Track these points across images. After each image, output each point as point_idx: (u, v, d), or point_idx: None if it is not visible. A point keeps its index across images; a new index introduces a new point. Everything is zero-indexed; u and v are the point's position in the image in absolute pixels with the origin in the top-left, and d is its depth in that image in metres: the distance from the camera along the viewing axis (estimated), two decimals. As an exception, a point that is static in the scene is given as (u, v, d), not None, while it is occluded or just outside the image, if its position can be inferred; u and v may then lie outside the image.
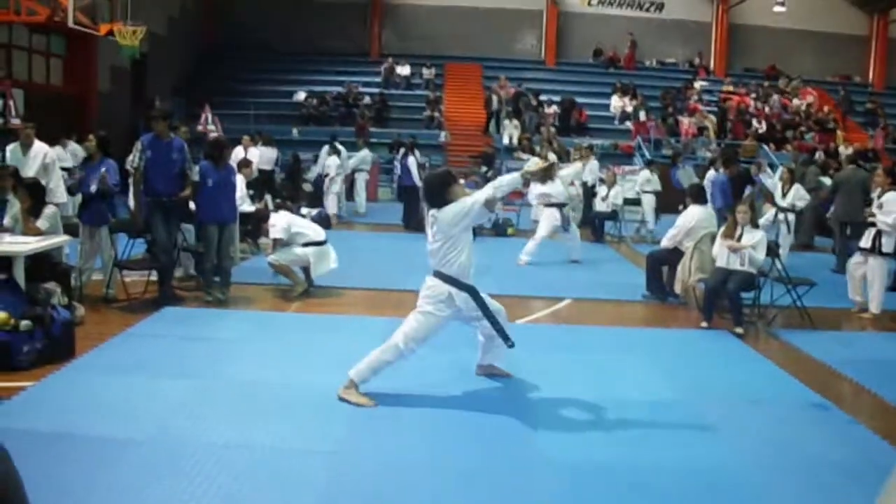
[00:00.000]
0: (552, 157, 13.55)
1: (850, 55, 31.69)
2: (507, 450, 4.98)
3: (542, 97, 27.35)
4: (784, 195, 12.31)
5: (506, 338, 5.89)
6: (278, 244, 9.31)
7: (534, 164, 6.50)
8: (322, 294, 9.41)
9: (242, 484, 4.27)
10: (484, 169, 17.97)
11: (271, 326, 7.91)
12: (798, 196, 12.54)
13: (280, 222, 9.35)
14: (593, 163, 17.62)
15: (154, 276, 8.96)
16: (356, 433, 5.15)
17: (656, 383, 6.48)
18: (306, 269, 9.45)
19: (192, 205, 8.89)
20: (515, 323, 8.20)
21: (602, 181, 16.62)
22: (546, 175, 11.96)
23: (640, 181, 16.84)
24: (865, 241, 9.31)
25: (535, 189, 12.50)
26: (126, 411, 5.28)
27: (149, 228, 8.62)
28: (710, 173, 13.83)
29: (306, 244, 9.33)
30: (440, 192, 5.80)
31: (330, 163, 17.24)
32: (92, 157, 9.03)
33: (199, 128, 19.03)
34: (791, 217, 12.29)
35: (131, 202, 9.09)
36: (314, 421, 5.31)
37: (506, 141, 24.17)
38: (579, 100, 27.32)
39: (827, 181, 15.07)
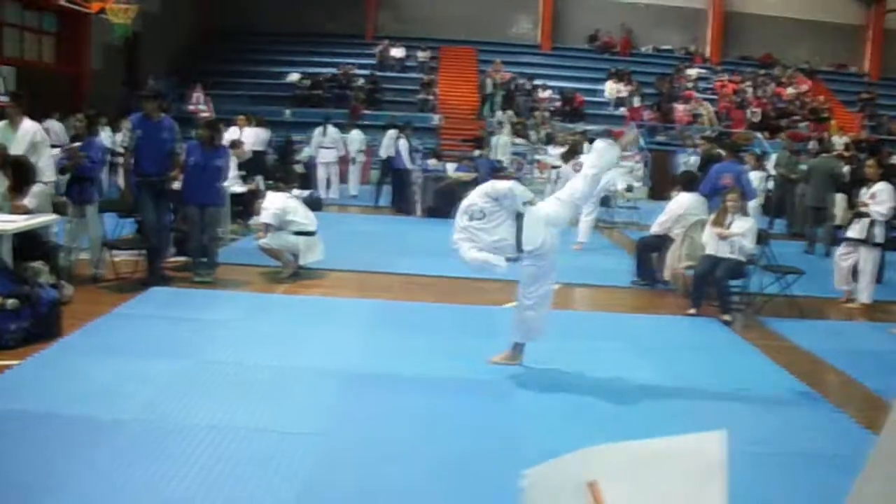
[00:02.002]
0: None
1: (846, 45, 31.63)
2: (492, 437, 4.97)
3: (537, 82, 27.28)
4: None
5: None
6: (270, 229, 9.26)
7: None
8: (311, 276, 9.39)
9: (227, 465, 4.26)
10: (477, 153, 17.94)
11: (260, 308, 7.90)
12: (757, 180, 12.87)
13: (272, 206, 9.28)
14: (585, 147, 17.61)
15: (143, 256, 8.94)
16: (343, 416, 5.15)
17: (643, 370, 6.48)
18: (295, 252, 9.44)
19: (176, 185, 8.85)
20: (503, 307, 8.24)
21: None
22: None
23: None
24: (859, 232, 9.30)
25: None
26: (111, 392, 5.26)
27: (138, 208, 8.59)
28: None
29: (298, 233, 9.31)
30: None
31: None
32: (80, 136, 8.98)
33: (190, 108, 18.94)
34: (753, 203, 12.38)
35: (121, 181, 9.07)
36: (301, 403, 5.31)
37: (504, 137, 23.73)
38: (574, 85, 27.28)
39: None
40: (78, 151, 8.64)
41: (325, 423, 4.99)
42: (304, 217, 9.44)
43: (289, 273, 9.24)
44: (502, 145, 18.57)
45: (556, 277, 6.42)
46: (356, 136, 18.76)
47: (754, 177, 13.04)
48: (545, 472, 1.51)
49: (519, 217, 5.92)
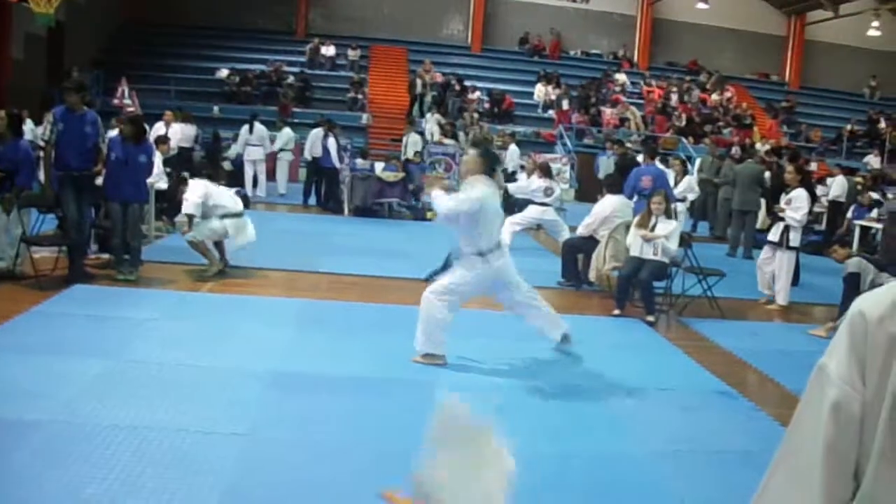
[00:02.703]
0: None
1: (769, 54, 32.48)
2: (417, 436, 4.97)
3: (467, 83, 27.38)
4: (675, 185, 12.66)
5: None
6: (193, 220, 9.09)
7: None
8: (237, 274, 9.29)
9: (149, 466, 4.19)
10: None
11: (184, 306, 7.79)
12: (688, 188, 13.07)
13: (194, 196, 9.08)
14: (513, 149, 17.77)
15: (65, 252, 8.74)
16: (268, 417, 5.11)
17: (567, 370, 6.57)
18: (220, 250, 9.30)
19: (98, 180, 8.67)
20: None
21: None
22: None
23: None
24: (774, 235, 9.57)
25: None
26: (30, 392, 5.13)
27: (59, 203, 8.40)
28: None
29: (224, 216, 9.16)
30: None
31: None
32: (2, 136, 8.65)
33: (115, 102, 18.53)
34: (681, 206, 12.65)
35: (42, 176, 8.84)
36: (225, 403, 5.24)
37: (427, 136, 23.67)
38: (504, 87, 27.46)
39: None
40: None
41: (250, 423, 4.95)
42: (229, 200, 9.30)
43: (214, 271, 9.12)
44: (412, 143, 18.26)
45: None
46: (287, 133, 18.59)
47: (687, 181, 13.34)
48: None
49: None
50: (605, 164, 20.42)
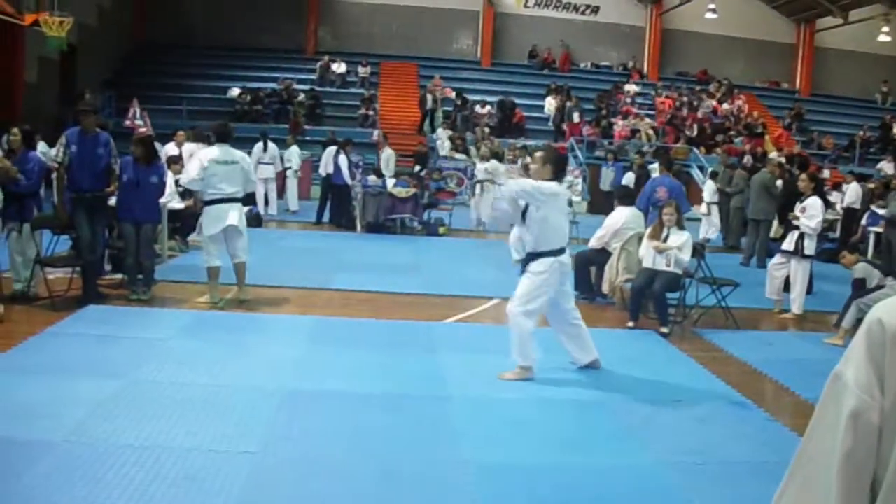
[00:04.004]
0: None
1: (779, 62, 32.40)
2: (430, 451, 4.97)
3: (476, 97, 27.39)
4: None
5: None
6: (198, 197, 8.74)
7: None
8: (249, 293, 9.26)
9: (161, 485, 4.19)
10: (417, 168, 17.93)
11: (197, 326, 7.79)
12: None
13: (193, 170, 8.55)
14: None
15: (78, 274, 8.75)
16: (279, 434, 5.09)
17: (581, 383, 6.53)
18: (240, 276, 9.09)
19: (111, 201, 8.68)
20: (443, 322, 8.25)
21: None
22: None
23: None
24: (788, 244, 9.51)
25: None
26: (43, 412, 5.14)
27: (73, 225, 8.43)
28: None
29: (213, 201, 8.59)
30: None
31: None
32: (15, 151, 8.75)
33: (127, 123, 18.59)
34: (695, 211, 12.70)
35: (55, 197, 8.87)
36: (236, 422, 5.23)
37: (441, 152, 23.80)
38: (515, 100, 27.48)
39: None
40: (10, 168, 8.40)
41: (261, 441, 4.93)
42: (230, 186, 8.62)
43: (210, 302, 8.67)
44: (385, 159, 17.98)
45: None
46: (294, 151, 18.63)
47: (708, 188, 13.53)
48: None
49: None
50: (605, 175, 20.86)
